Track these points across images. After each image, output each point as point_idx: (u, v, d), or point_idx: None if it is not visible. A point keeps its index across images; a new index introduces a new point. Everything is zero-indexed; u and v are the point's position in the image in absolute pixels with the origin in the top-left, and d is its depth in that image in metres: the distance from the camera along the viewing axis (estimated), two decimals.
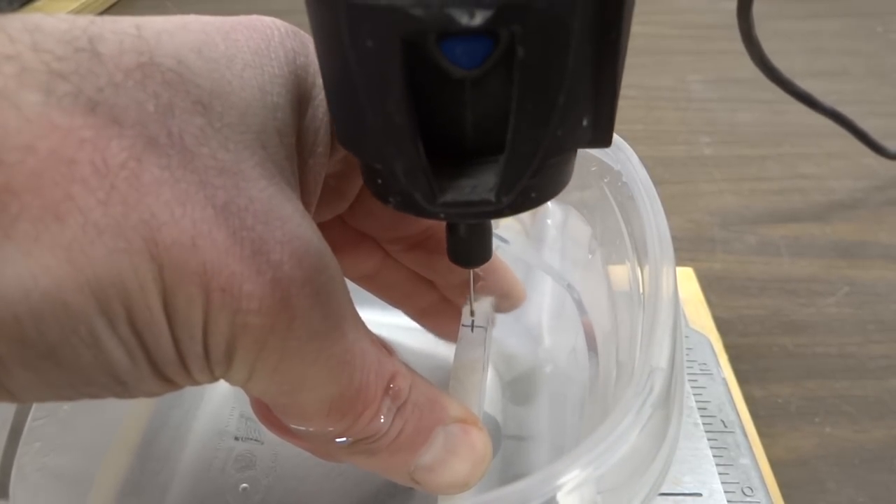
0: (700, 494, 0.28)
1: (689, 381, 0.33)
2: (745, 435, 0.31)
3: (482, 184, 0.15)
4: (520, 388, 0.31)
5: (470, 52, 0.13)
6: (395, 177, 0.14)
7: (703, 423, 0.31)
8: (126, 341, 0.13)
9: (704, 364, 0.34)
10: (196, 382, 0.16)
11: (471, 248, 0.20)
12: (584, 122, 0.15)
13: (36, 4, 0.72)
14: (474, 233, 0.20)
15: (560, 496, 0.15)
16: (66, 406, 0.23)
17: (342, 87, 0.14)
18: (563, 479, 0.15)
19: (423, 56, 0.13)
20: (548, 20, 0.12)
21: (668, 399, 0.17)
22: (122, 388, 0.14)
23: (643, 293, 0.21)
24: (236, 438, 0.29)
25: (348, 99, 0.14)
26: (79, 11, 0.71)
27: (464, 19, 0.12)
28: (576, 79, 0.14)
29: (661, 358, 0.18)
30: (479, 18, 0.12)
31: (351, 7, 0.12)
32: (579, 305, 0.30)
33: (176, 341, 0.14)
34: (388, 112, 0.13)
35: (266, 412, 0.19)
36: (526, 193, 0.15)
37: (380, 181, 0.16)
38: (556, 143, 0.14)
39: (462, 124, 0.15)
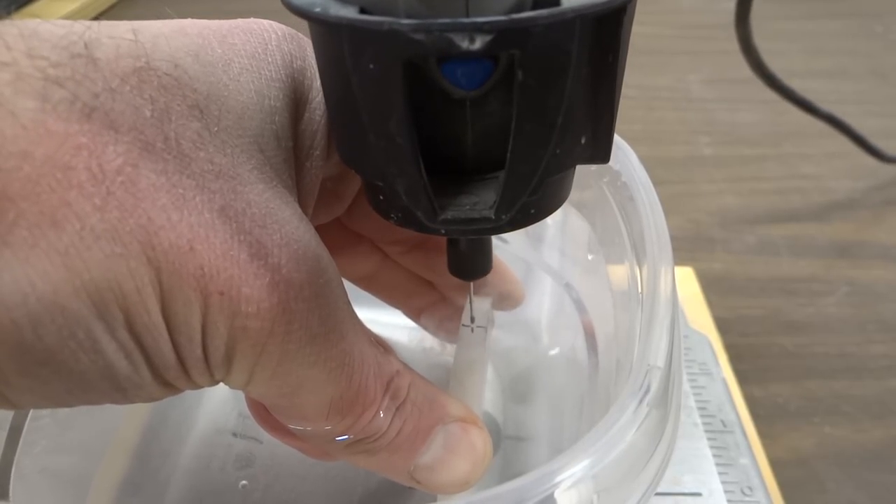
0: (700, 494, 0.28)
1: (689, 380, 0.33)
2: (745, 435, 0.31)
3: (482, 201, 0.15)
4: (519, 387, 0.31)
5: (470, 74, 0.14)
6: (397, 195, 0.15)
7: (703, 423, 0.31)
8: (125, 345, 0.13)
9: (704, 364, 0.34)
10: (196, 386, 0.16)
11: (471, 261, 0.21)
12: (583, 140, 0.15)
13: (34, 6, 0.72)
14: (475, 247, 0.20)
15: (557, 494, 0.15)
16: None
17: (344, 107, 0.15)
18: (560, 477, 0.15)
19: (423, 77, 0.14)
20: (547, 45, 0.12)
21: (665, 398, 0.17)
22: (120, 394, 0.14)
23: (642, 293, 0.21)
24: (235, 436, 0.29)
25: (350, 119, 0.15)
26: (76, 13, 0.71)
27: (464, 44, 0.12)
28: (574, 99, 0.14)
29: (659, 357, 0.18)
30: (479, 43, 0.12)
31: (354, 31, 0.12)
32: (578, 305, 0.30)
33: (175, 345, 0.14)
34: (389, 133, 0.13)
35: (262, 412, 0.19)
36: (525, 210, 0.16)
37: (381, 198, 0.16)
38: (555, 161, 0.14)
39: (462, 143, 0.15)
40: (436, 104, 0.14)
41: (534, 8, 0.13)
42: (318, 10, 0.13)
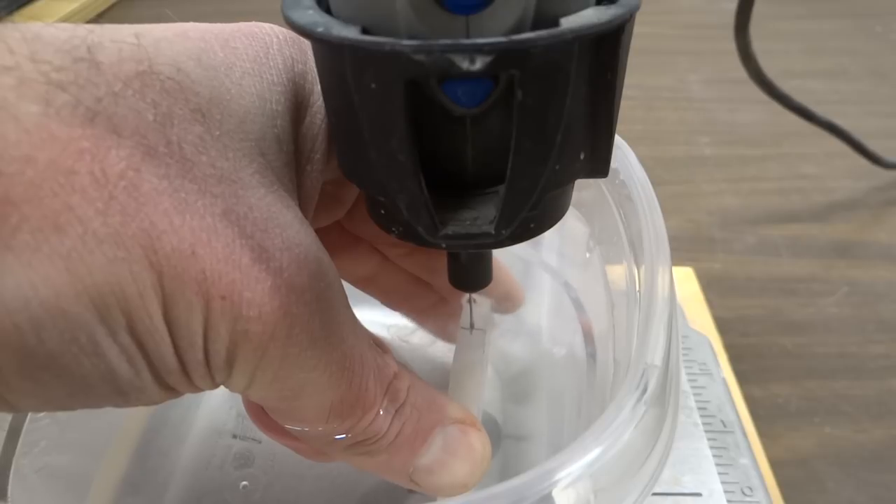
0: (700, 494, 0.28)
1: (689, 381, 0.33)
2: (745, 435, 0.31)
3: (483, 216, 0.15)
4: (518, 387, 0.31)
5: (470, 92, 0.14)
6: (398, 210, 0.15)
7: (703, 423, 0.31)
8: (127, 349, 0.14)
9: (704, 364, 0.34)
10: (197, 389, 0.16)
11: (472, 274, 0.21)
12: (582, 156, 0.15)
13: (33, 6, 0.72)
14: (475, 260, 0.20)
15: (555, 493, 0.15)
16: None
17: (346, 124, 0.15)
18: (557, 476, 0.15)
19: (424, 94, 0.14)
20: (546, 65, 0.13)
21: (662, 397, 0.17)
22: (122, 398, 0.14)
23: (639, 291, 0.21)
24: (235, 437, 0.29)
25: (352, 135, 0.15)
26: (76, 13, 0.71)
27: (464, 64, 0.12)
28: (573, 117, 0.14)
29: (656, 355, 0.18)
30: (479, 64, 0.12)
31: (355, 52, 0.13)
32: (577, 304, 0.30)
33: (177, 349, 0.14)
34: (391, 150, 0.14)
35: (259, 413, 0.19)
36: (525, 225, 0.16)
37: (382, 212, 0.16)
38: (555, 177, 0.15)
39: (463, 159, 0.15)
40: (436, 121, 0.14)
41: (533, 28, 0.13)
42: (320, 29, 0.13)
